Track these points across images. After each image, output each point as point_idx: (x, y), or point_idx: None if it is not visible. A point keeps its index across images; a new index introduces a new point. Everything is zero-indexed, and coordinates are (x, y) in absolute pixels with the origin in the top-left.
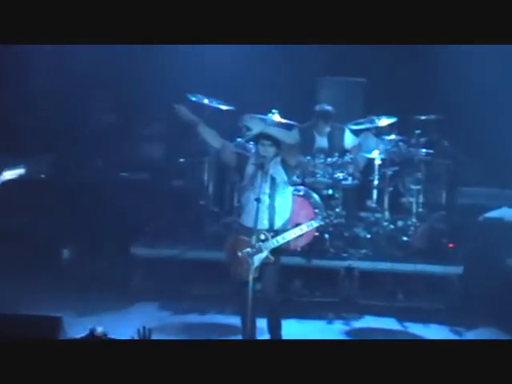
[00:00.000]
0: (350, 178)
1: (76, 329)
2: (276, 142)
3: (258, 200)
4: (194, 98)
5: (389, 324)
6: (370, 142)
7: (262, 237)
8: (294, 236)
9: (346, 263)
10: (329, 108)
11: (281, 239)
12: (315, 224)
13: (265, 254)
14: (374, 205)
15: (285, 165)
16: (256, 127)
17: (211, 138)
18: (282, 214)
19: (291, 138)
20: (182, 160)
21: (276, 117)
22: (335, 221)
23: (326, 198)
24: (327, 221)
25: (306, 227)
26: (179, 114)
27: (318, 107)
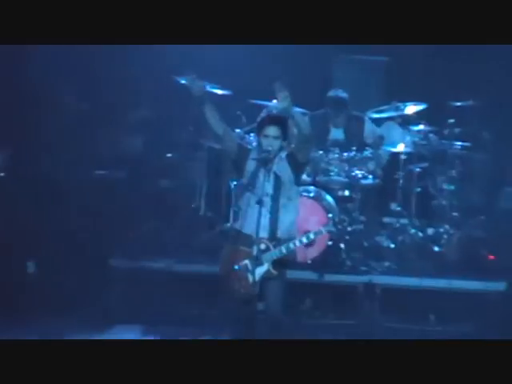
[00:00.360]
0: (370, 177)
1: None
2: (282, 134)
3: (259, 203)
4: (182, 81)
5: None
6: (394, 133)
7: (262, 246)
8: (299, 245)
9: (365, 278)
10: (343, 95)
11: (284, 249)
12: (325, 231)
13: (266, 266)
14: (398, 208)
15: (292, 161)
16: (282, 102)
17: (215, 121)
18: (287, 219)
19: (308, 127)
20: (169, 155)
21: None
22: (349, 228)
23: (341, 201)
24: (340, 227)
25: (313, 235)
26: (191, 85)
27: (330, 93)
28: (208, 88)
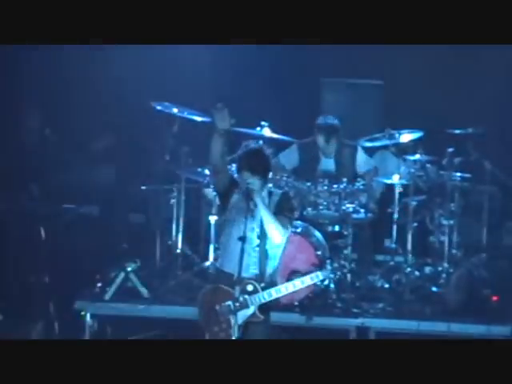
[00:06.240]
0: (362, 211)
1: None
2: (263, 171)
3: (242, 239)
4: (159, 107)
5: None
6: (388, 163)
7: (250, 288)
8: (293, 290)
9: (357, 321)
10: (333, 122)
11: (274, 293)
12: (321, 276)
13: (252, 310)
14: (393, 245)
15: (282, 203)
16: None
17: (220, 157)
18: (273, 258)
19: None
20: (143, 187)
21: (266, 131)
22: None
23: (330, 237)
24: (338, 273)
25: (310, 280)
26: (218, 117)
27: (319, 120)
28: (186, 114)
